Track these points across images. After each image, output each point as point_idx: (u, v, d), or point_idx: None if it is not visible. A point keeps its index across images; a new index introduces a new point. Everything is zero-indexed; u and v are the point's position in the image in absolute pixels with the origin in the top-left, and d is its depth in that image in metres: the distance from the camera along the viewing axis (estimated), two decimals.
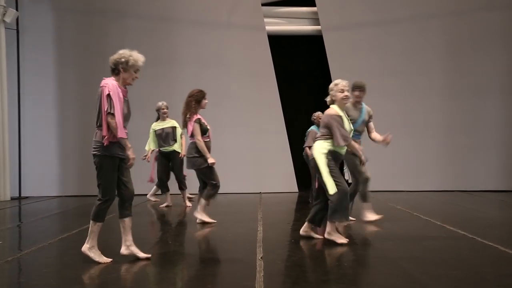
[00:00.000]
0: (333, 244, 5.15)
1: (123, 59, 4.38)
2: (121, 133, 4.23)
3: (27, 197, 10.79)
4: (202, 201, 6.55)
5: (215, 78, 11.09)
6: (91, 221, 4.37)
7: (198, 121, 6.42)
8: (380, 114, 11.10)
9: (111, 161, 4.28)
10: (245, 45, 11.21)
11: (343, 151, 5.25)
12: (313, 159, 5.18)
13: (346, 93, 5.17)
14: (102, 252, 4.43)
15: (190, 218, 7.39)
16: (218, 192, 6.64)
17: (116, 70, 4.43)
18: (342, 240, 5.13)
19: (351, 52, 11.13)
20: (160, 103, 8.42)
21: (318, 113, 8.38)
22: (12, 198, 10.47)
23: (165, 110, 8.40)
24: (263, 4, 11.44)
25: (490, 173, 11.04)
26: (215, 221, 6.58)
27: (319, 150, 5.14)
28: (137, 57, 4.46)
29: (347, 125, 5.22)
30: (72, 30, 11.17)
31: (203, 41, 11.19)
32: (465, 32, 11.14)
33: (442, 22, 11.20)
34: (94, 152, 4.30)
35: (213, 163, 6.40)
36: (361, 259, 4.48)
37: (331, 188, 5.01)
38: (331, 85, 5.27)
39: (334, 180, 5.04)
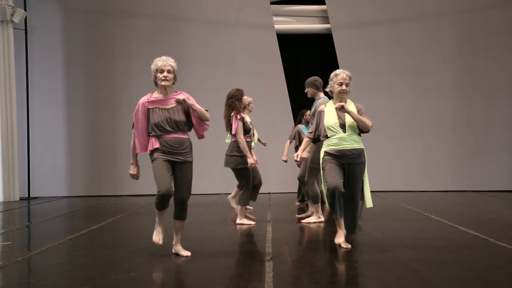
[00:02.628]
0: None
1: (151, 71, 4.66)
2: (138, 150, 4.59)
3: (36, 198, 10.84)
4: (238, 207, 6.54)
5: (224, 77, 11.07)
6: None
7: (242, 120, 6.38)
8: (390, 113, 11.11)
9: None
10: (254, 44, 11.18)
11: (345, 145, 4.83)
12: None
13: (344, 87, 4.87)
14: (114, 249, 4.41)
15: (197, 218, 7.37)
16: (260, 192, 6.72)
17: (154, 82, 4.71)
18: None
19: (360, 50, 11.06)
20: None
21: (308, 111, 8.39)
22: (21, 199, 10.53)
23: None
24: (272, 3, 11.40)
25: (502, 172, 10.92)
26: (253, 222, 6.53)
27: (321, 151, 4.99)
28: (155, 61, 4.69)
29: (329, 118, 4.90)
30: (80, 29, 11.20)
31: (212, 40, 11.17)
32: (476, 31, 11.03)
33: (453, 21, 11.10)
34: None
35: (252, 164, 6.33)
36: (371, 260, 4.42)
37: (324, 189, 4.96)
38: (332, 75, 4.99)
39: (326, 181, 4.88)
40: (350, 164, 4.85)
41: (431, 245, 5.11)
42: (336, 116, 4.85)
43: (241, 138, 6.30)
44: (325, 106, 5.03)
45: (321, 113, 5.00)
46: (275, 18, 11.36)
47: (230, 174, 6.67)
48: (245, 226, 6.41)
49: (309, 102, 9.27)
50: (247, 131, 6.42)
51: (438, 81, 11.05)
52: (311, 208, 7.04)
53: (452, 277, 3.79)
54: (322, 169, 4.90)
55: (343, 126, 4.85)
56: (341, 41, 11.09)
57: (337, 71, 4.95)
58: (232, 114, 6.44)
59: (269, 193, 10.62)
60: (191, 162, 4.55)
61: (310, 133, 5.22)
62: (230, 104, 6.46)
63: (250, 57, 11.18)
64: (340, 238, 4.98)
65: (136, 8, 11.24)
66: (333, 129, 4.86)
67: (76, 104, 11.15)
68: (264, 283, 3.68)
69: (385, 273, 3.80)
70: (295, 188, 8.71)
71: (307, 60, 11.98)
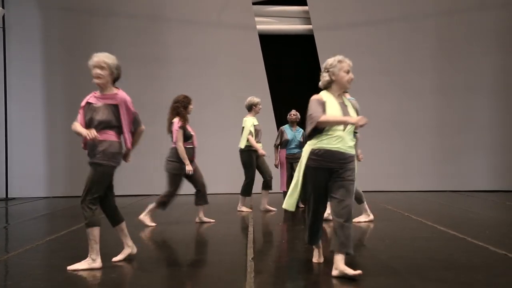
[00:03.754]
0: (324, 245, 5.11)
1: None
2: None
3: (14, 198, 10.66)
4: (149, 206, 6.52)
5: (205, 77, 11.05)
6: None
7: (183, 128, 6.39)
8: (371, 113, 11.15)
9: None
10: (236, 44, 11.17)
11: (343, 145, 3.91)
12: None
13: (352, 76, 4.08)
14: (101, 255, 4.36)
15: (183, 219, 7.34)
16: (171, 200, 6.56)
17: None
18: None
19: (342, 51, 10.86)
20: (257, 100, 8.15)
21: (294, 111, 8.44)
22: None
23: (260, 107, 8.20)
24: (254, 3, 11.41)
25: (482, 173, 11.09)
26: (155, 224, 6.48)
27: (304, 151, 4.05)
28: (91, 57, 4.39)
29: (334, 112, 3.92)
30: (60, 28, 11.05)
31: (194, 40, 11.13)
32: (458, 31, 11.18)
33: (435, 22, 11.24)
34: None
35: (190, 171, 6.36)
36: (351, 260, 4.46)
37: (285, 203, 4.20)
38: (332, 62, 4.06)
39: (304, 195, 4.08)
40: (341, 170, 3.91)
41: (411, 244, 5.17)
42: (338, 109, 3.95)
43: (180, 145, 6.34)
44: (321, 96, 4.04)
45: (317, 101, 3.97)
46: (257, 19, 11.37)
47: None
48: (206, 225, 6.40)
49: (291, 102, 9.34)
50: (187, 138, 6.44)
51: (418, 82, 11.18)
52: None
53: (431, 276, 3.84)
54: (304, 174, 4.00)
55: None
56: (322, 42, 11.14)
57: (339, 57, 4.12)
58: (175, 120, 6.42)
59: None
60: (97, 164, 4.17)
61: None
62: (175, 108, 6.48)
63: (232, 58, 11.17)
64: (341, 265, 3.84)
65: (118, 7, 11.14)
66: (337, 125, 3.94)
67: (56, 104, 11.00)
68: (245, 283, 3.68)
69: (365, 273, 3.83)
70: (277, 189, 8.69)
71: (289, 61, 12.02)
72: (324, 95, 4.04)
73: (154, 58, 10.99)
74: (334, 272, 3.84)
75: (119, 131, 4.30)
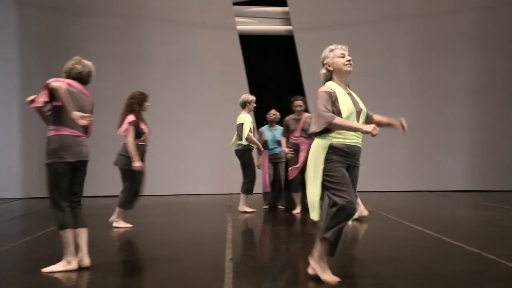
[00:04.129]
0: (302, 245, 5.15)
1: None
2: None
3: None
4: (117, 209, 6.41)
5: (185, 77, 11.01)
6: None
7: (135, 124, 6.26)
8: None
9: None
10: (216, 44, 11.15)
11: (356, 141, 3.73)
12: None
13: (348, 57, 3.85)
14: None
15: (156, 220, 7.30)
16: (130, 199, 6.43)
17: None
18: None
19: (322, 52, 11.16)
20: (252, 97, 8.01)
21: (273, 111, 8.43)
22: None
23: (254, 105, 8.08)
24: (234, 3, 11.40)
25: (458, 173, 11.27)
26: (132, 225, 6.42)
27: (314, 149, 3.70)
28: None
29: (347, 104, 3.68)
30: (37, 26, 10.84)
31: (174, 40, 11.08)
32: (436, 33, 11.34)
33: (412, 24, 11.38)
34: None
35: (138, 168, 6.17)
36: (329, 259, 4.50)
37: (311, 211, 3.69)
38: (326, 53, 3.93)
39: (334, 193, 3.57)
40: (354, 166, 3.74)
41: (388, 244, 5.24)
42: (350, 101, 3.75)
43: (130, 141, 6.19)
44: (328, 88, 3.77)
45: (326, 94, 3.70)
46: (237, 19, 11.37)
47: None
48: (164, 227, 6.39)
49: (271, 103, 9.37)
50: (139, 135, 6.30)
51: (396, 83, 11.31)
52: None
53: (406, 274, 3.90)
54: (327, 173, 3.60)
55: (358, 114, 3.78)
56: (302, 43, 11.20)
57: (331, 46, 3.95)
58: (130, 115, 6.28)
59: (230, 194, 10.61)
60: (46, 165, 4.17)
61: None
62: (130, 104, 6.34)
63: (212, 58, 11.14)
64: (328, 274, 3.74)
65: (97, 5, 11.01)
66: (351, 117, 3.71)
67: None
68: (224, 283, 3.68)
69: (342, 272, 3.87)
70: (255, 189, 8.67)
71: (269, 62, 12.04)
72: (331, 85, 3.79)
73: (133, 57, 10.90)
74: (312, 271, 3.79)
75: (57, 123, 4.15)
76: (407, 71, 11.35)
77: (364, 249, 4.98)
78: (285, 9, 11.45)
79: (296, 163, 7.04)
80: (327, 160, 3.60)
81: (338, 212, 3.55)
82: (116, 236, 6.00)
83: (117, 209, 6.42)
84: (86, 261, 4.19)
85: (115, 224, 6.38)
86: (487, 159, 11.30)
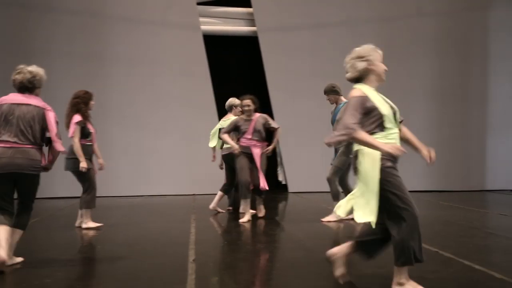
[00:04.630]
0: (266, 246, 5.16)
1: None
2: None
3: None
4: (83, 211, 6.28)
5: (148, 76, 10.89)
6: None
7: (82, 123, 6.15)
8: (312, 116, 11.39)
9: None
10: (180, 44, 11.07)
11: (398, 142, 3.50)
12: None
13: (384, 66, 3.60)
14: (31, 254, 4.18)
15: (119, 221, 7.20)
16: (96, 197, 6.35)
17: None
18: None
19: (285, 54, 11.28)
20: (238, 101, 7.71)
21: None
22: None
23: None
24: (198, 3, 11.36)
25: (418, 174, 11.54)
26: (101, 224, 6.36)
27: (370, 156, 3.34)
28: None
29: (384, 109, 3.38)
30: None
31: (137, 39, 10.94)
32: (396, 37, 11.61)
33: (373, 27, 11.61)
34: None
35: (84, 168, 6.05)
36: (291, 260, 4.53)
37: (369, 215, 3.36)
38: (369, 50, 3.69)
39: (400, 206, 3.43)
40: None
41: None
42: (387, 104, 3.48)
43: (76, 141, 6.08)
44: (362, 91, 3.47)
45: (359, 100, 3.37)
46: (201, 19, 11.33)
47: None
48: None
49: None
50: (86, 135, 6.22)
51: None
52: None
53: (368, 274, 3.98)
54: (386, 183, 3.36)
55: (394, 115, 3.52)
56: (266, 44, 11.25)
57: (373, 46, 3.79)
58: (76, 115, 6.16)
59: (194, 194, 10.56)
60: None
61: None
62: (75, 104, 6.22)
63: (175, 57, 11.06)
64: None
65: (56, 1, 10.76)
66: (392, 121, 3.41)
67: None
68: (186, 284, 3.66)
69: (304, 273, 3.90)
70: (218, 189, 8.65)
71: (233, 62, 12.06)
72: (363, 88, 3.45)
73: (95, 56, 10.70)
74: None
75: None
76: None
77: (327, 250, 5.04)
78: (249, 10, 11.49)
79: (253, 170, 6.96)
80: (383, 167, 3.33)
81: (407, 228, 3.33)
82: (77, 238, 5.88)
83: (84, 211, 6.28)
84: (3, 254, 3.99)
85: (84, 226, 6.24)
86: (445, 160, 11.63)
